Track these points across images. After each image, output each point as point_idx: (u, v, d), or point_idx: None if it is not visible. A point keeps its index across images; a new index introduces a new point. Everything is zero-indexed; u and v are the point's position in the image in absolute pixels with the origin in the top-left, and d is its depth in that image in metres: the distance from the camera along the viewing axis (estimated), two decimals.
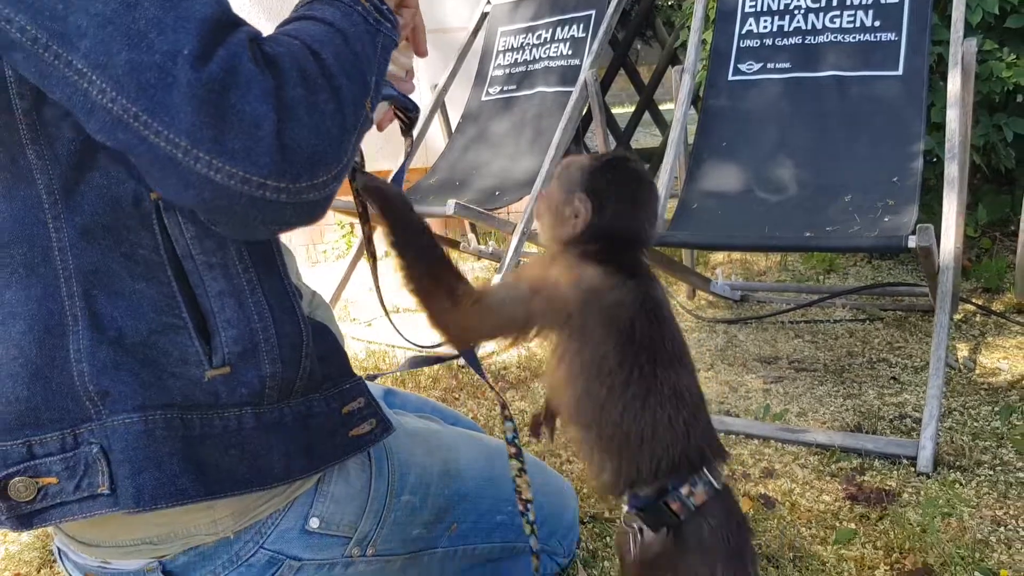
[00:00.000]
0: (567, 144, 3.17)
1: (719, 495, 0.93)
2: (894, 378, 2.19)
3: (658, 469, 0.92)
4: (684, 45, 4.76)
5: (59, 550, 1.01)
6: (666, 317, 0.96)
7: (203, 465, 0.84)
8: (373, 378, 1.21)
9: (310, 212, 0.72)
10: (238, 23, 0.70)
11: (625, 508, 0.96)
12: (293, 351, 0.90)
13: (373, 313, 3.30)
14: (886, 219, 2.09)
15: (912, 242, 1.73)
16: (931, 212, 2.65)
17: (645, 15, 5.00)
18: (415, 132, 1.10)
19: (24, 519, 0.84)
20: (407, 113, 1.03)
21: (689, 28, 3.79)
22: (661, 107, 5.17)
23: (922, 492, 1.58)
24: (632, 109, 5.18)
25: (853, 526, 1.48)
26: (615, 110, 5.31)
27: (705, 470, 0.93)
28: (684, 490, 0.91)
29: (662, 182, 2.44)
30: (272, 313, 0.88)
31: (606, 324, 0.92)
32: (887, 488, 1.60)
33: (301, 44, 0.73)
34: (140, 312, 0.82)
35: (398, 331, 1.16)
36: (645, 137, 5.60)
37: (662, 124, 5.21)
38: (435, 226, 3.38)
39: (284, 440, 0.90)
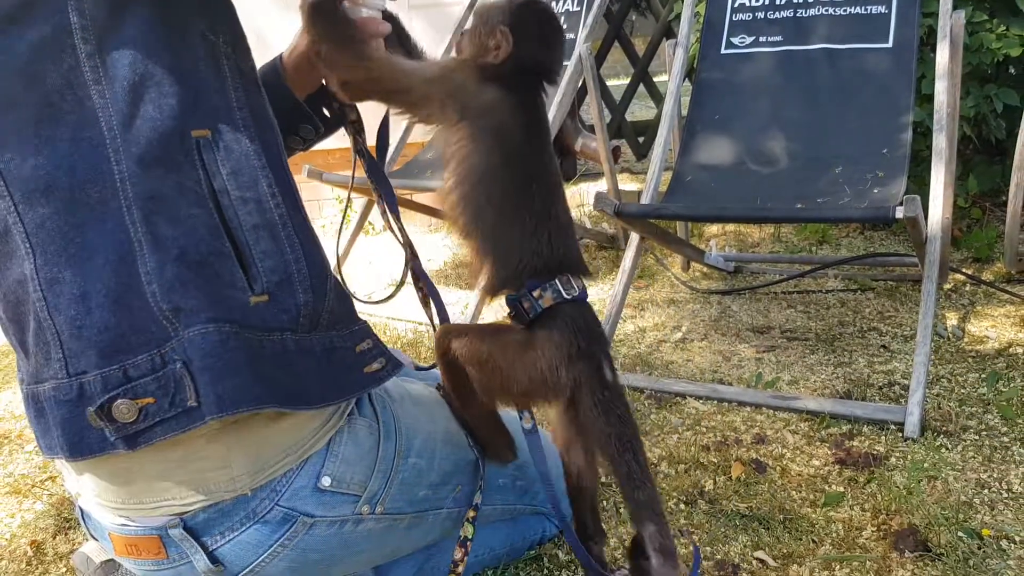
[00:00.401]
0: (562, 119, 3.19)
1: (575, 305, 1.06)
2: (884, 347, 2.24)
3: (522, 273, 1.05)
4: (678, 18, 4.76)
5: (81, 511, 1.06)
6: (549, 148, 1.09)
7: (265, 378, 0.90)
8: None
9: None
10: None
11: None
12: (321, 282, 0.97)
13: (372, 288, 3.34)
14: (875, 191, 2.13)
15: (900, 213, 1.77)
16: (922, 183, 2.68)
17: None
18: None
19: (131, 439, 0.90)
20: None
21: (683, 1, 3.79)
22: (656, 79, 5.17)
23: (909, 456, 1.63)
24: (627, 81, 5.18)
25: (841, 489, 1.53)
26: (610, 82, 5.31)
27: (557, 281, 1.05)
28: (536, 293, 1.05)
29: (656, 155, 2.47)
30: (302, 246, 0.95)
31: (497, 136, 1.05)
32: (875, 452, 1.65)
33: None
34: (197, 234, 0.88)
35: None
36: (640, 109, 5.60)
37: (657, 97, 5.21)
38: (429, 200, 3.41)
39: (317, 368, 0.97)
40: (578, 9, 3.19)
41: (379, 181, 1.24)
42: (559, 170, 1.11)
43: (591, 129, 4.28)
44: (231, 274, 0.90)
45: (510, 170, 1.05)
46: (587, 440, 1.08)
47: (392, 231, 1.27)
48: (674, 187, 2.40)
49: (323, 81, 1.22)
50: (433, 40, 3.47)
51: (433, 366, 1.23)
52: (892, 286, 2.68)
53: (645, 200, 2.35)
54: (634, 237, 2.31)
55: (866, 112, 2.33)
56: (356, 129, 1.28)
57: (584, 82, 3.13)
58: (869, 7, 2.42)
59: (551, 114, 3.04)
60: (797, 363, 2.20)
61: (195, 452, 0.94)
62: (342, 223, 1.27)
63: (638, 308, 2.76)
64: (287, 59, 1.21)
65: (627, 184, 4.72)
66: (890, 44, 2.37)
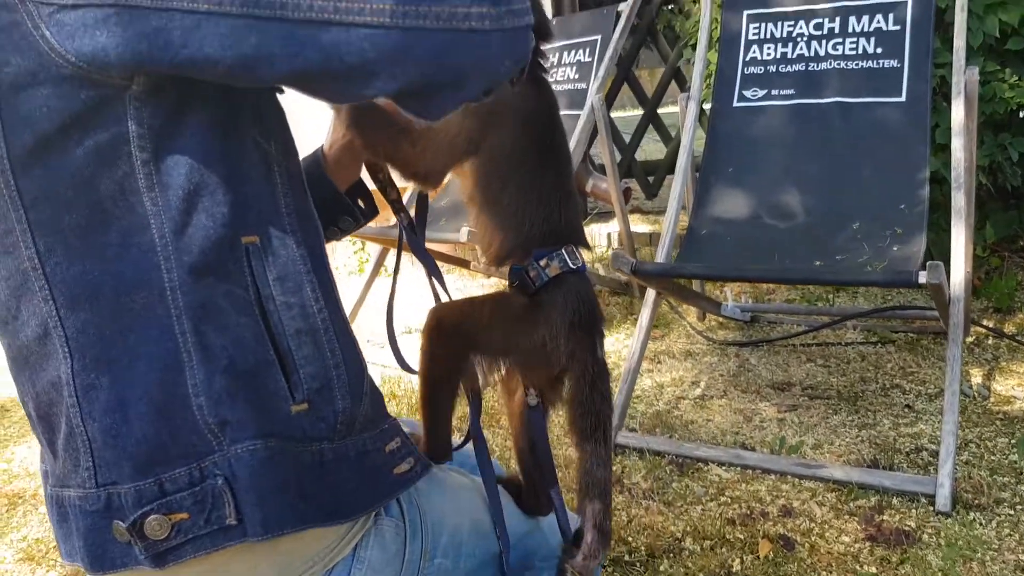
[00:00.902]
0: (576, 166, 3.19)
1: (576, 276, 1.06)
2: (908, 406, 2.21)
3: (528, 242, 1.06)
4: (688, 61, 4.78)
5: None
6: (560, 126, 1.11)
7: (308, 495, 0.88)
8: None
9: (512, 43, 0.74)
10: None
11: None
12: (358, 386, 0.95)
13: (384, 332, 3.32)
14: (895, 248, 2.11)
15: (923, 278, 1.74)
16: (940, 229, 2.66)
17: (647, 29, 5.01)
18: None
19: (159, 556, 0.87)
20: None
21: (693, 47, 3.80)
22: (661, 110, 5.17)
23: (942, 533, 1.59)
24: (633, 112, 5.20)
25: (874, 570, 1.50)
26: (617, 113, 5.31)
27: (563, 250, 1.05)
28: (543, 262, 1.05)
29: (671, 208, 2.46)
30: (342, 351, 0.93)
31: (516, 118, 1.07)
32: (907, 528, 1.62)
33: None
34: (245, 343, 0.86)
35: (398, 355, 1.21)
36: (648, 143, 5.59)
37: (666, 136, 5.23)
38: (445, 249, 3.40)
39: (352, 476, 0.94)
40: (589, 60, 3.20)
41: (423, 257, 1.23)
42: (567, 142, 1.14)
43: (601, 169, 4.29)
44: (275, 383, 0.88)
45: (526, 145, 1.08)
46: (569, 412, 1.09)
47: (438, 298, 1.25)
48: (689, 241, 2.38)
49: (361, 173, 1.23)
50: None
51: (460, 446, 1.20)
52: (913, 338, 2.65)
53: (660, 255, 2.34)
54: (650, 293, 2.29)
55: (882, 166, 2.31)
56: (397, 208, 1.27)
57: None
58: (881, 61, 2.41)
59: None
60: (820, 424, 2.16)
61: (220, 567, 0.92)
62: (391, 305, 1.26)
63: (654, 360, 2.73)
64: (328, 152, 1.21)
65: (638, 225, 4.71)
66: (903, 98, 2.36)
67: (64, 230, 0.83)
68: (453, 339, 1.10)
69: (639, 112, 5.34)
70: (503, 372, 1.13)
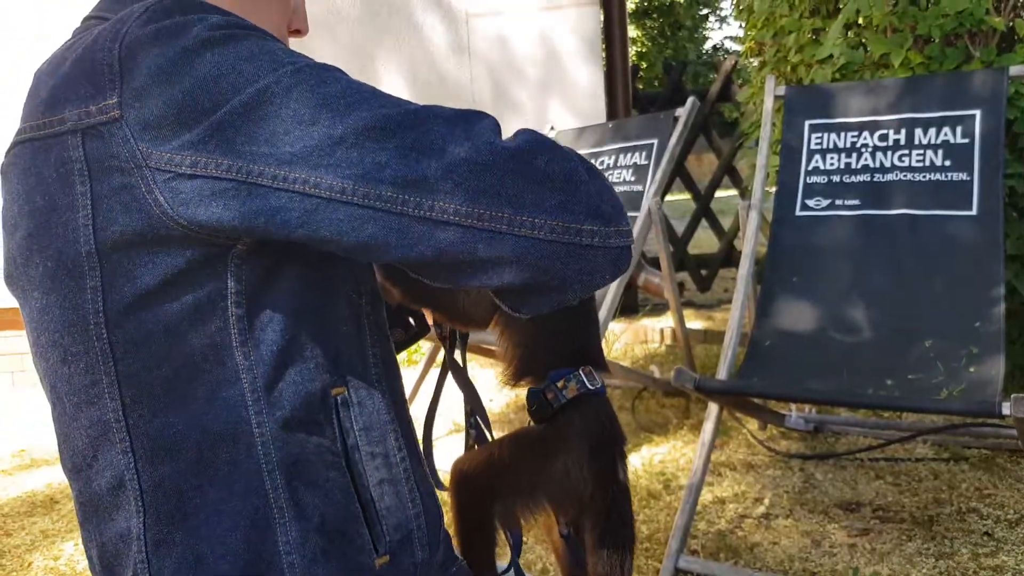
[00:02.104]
0: (631, 268, 3.18)
1: (595, 397, 1.05)
2: (987, 533, 2.09)
3: (546, 362, 1.06)
4: (741, 149, 4.79)
5: None
6: None
7: None
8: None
9: (616, 259, 0.76)
10: None
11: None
12: (435, 535, 0.93)
13: (438, 432, 3.29)
14: (971, 369, 2.04)
15: (1007, 409, 1.67)
16: (1011, 341, 2.58)
17: (701, 125, 5.06)
18: None
19: None
20: None
21: (747, 146, 3.81)
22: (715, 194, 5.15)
23: None
24: (680, 196, 5.21)
25: None
26: (667, 197, 5.32)
27: (580, 371, 1.05)
28: (560, 383, 1.04)
29: (734, 317, 2.41)
30: (422, 499, 0.91)
31: None
32: None
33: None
34: (335, 499, 0.85)
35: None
36: (699, 234, 5.58)
37: (719, 229, 5.22)
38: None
39: None
40: (646, 163, 3.22)
41: (467, 389, 1.20)
42: None
43: (651, 263, 4.27)
44: (360, 537, 0.87)
45: None
46: (589, 537, 1.07)
47: (479, 437, 1.22)
48: (752, 355, 2.33)
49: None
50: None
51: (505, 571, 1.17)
52: (987, 456, 2.53)
53: (722, 370, 2.28)
54: (712, 407, 2.23)
55: (954, 282, 2.26)
56: (441, 335, 1.26)
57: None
58: (950, 174, 2.38)
59: None
60: (894, 552, 2.06)
61: None
62: (430, 421, 1.25)
63: (714, 473, 2.65)
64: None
65: (692, 322, 4.66)
66: (975, 212, 2.31)
67: (152, 383, 0.82)
68: (478, 490, 1.09)
69: (686, 196, 5.35)
70: (534, 509, 1.10)
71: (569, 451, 1.04)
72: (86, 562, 0.94)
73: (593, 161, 3.45)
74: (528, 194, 0.71)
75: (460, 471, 1.09)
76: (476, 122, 0.74)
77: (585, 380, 1.06)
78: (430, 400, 1.19)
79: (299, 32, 1.03)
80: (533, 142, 0.73)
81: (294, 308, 0.83)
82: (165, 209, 0.73)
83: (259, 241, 0.77)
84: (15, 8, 4.30)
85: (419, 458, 0.95)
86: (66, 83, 0.78)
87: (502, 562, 1.11)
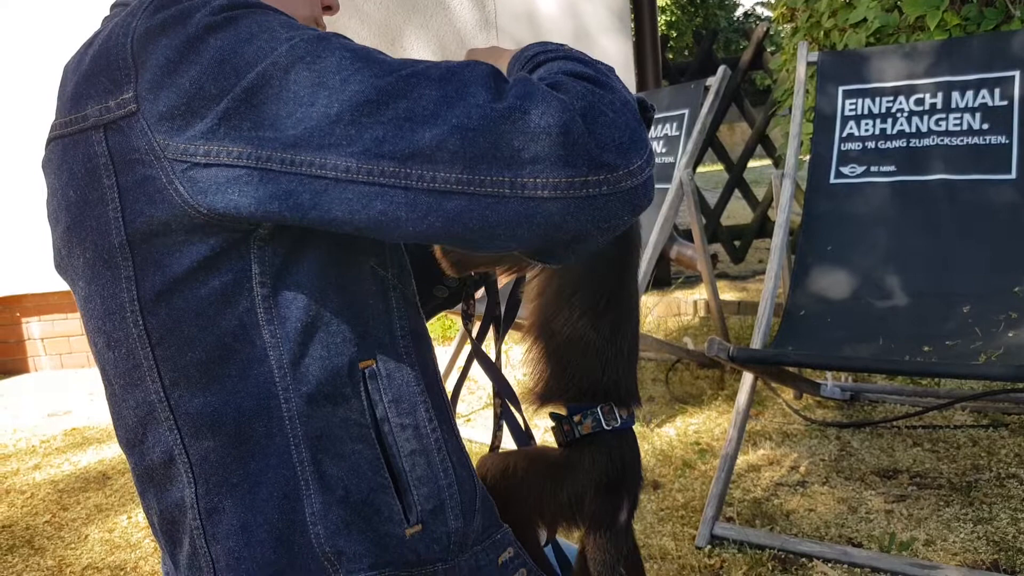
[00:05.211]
0: (663, 241, 3.18)
1: (612, 435, 1.05)
2: None
3: (567, 391, 1.06)
4: (774, 117, 4.74)
5: None
6: (633, 276, 1.08)
7: None
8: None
9: (632, 200, 0.74)
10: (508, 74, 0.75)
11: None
12: (470, 504, 0.95)
13: (471, 407, 3.33)
14: (1010, 334, 2.02)
15: None
16: None
17: (733, 93, 5.00)
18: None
19: None
20: (646, 114, 1.05)
21: (780, 114, 3.77)
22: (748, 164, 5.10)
23: None
24: (713, 167, 5.17)
25: None
26: (699, 168, 5.28)
27: (599, 409, 1.04)
28: (576, 418, 1.04)
29: (768, 287, 2.41)
30: (455, 470, 0.93)
31: (589, 266, 1.06)
32: None
33: (562, 72, 0.78)
34: (360, 471, 0.87)
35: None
36: (732, 204, 5.52)
37: (752, 200, 5.17)
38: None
39: None
40: (677, 134, 3.21)
41: (497, 380, 1.21)
42: (638, 291, 1.12)
43: (683, 235, 4.26)
44: (389, 508, 0.89)
45: (589, 289, 1.06)
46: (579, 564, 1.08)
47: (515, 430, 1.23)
48: (786, 325, 2.33)
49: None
50: None
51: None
52: None
53: (757, 339, 2.29)
54: (747, 376, 2.24)
55: (992, 247, 2.23)
56: (466, 316, 1.25)
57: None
58: (988, 137, 2.34)
59: (653, 236, 3.03)
60: (931, 517, 2.06)
61: None
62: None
63: (750, 442, 2.66)
64: None
65: (725, 293, 4.64)
66: (1013, 175, 2.28)
67: (188, 365, 0.85)
68: (495, 494, 1.09)
69: (718, 167, 5.31)
70: (538, 527, 1.12)
71: (574, 486, 1.05)
72: (139, 534, 0.99)
73: None
74: (525, 153, 0.69)
75: (479, 472, 1.10)
76: (468, 77, 0.72)
77: (602, 419, 1.05)
78: (456, 379, 1.20)
79: (330, 9, 1.03)
80: (524, 96, 0.71)
81: (318, 285, 0.85)
82: (186, 199, 0.75)
83: (278, 225, 0.79)
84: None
85: (452, 429, 0.96)
86: (87, 79, 0.80)
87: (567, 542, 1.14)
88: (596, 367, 1.06)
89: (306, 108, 0.71)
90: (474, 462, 1.08)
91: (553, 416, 1.10)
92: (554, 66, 0.81)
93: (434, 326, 4.43)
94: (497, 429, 1.20)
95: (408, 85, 0.71)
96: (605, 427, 1.06)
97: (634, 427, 1.10)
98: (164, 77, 0.75)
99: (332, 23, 4.62)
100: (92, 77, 0.80)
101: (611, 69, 0.85)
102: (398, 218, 0.72)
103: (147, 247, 0.80)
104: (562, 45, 0.86)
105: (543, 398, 1.10)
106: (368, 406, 0.88)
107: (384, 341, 0.91)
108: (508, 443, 1.12)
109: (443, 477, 0.92)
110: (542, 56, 0.85)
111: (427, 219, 0.72)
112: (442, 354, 4.06)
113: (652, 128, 3.34)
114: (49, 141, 0.87)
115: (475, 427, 3.17)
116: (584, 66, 0.79)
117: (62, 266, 0.90)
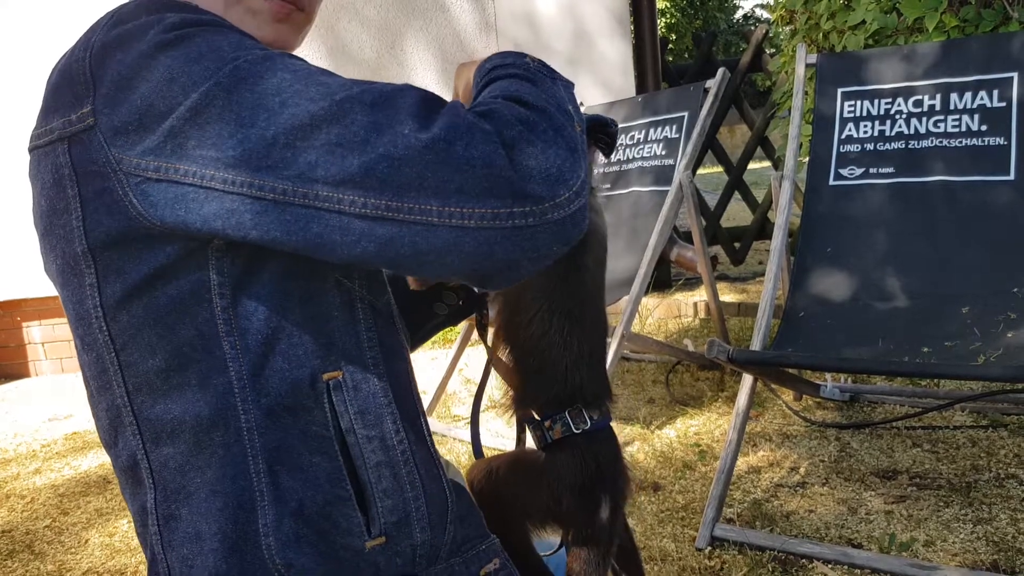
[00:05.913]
0: (663, 243, 3.18)
1: (585, 437, 1.06)
2: None
3: (538, 397, 1.08)
4: (774, 119, 4.75)
5: None
6: (592, 277, 1.09)
7: None
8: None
9: (560, 231, 0.74)
10: (443, 100, 0.76)
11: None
12: (440, 517, 0.94)
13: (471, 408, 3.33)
14: (1009, 334, 2.02)
15: None
16: None
17: (732, 96, 5.01)
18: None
19: None
20: (607, 130, 1.09)
21: (778, 116, 3.78)
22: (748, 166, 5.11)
23: None
24: (712, 169, 5.18)
25: None
26: (699, 171, 5.29)
27: (567, 413, 1.06)
28: (547, 423, 1.06)
29: (767, 289, 2.41)
30: (422, 481, 0.92)
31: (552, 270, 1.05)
32: None
33: (502, 95, 0.78)
34: (317, 484, 0.87)
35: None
36: (732, 206, 5.52)
37: (751, 202, 5.18)
38: None
39: None
40: (676, 136, 3.21)
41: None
42: (601, 291, 1.13)
43: (683, 237, 4.26)
44: (348, 520, 0.88)
45: (547, 301, 1.07)
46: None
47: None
48: (786, 326, 2.33)
49: None
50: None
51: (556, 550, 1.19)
52: None
53: (756, 341, 2.29)
54: (747, 377, 2.24)
55: (991, 248, 2.24)
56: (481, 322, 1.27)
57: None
58: (986, 139, 2.35)
59: (653, 239, 3.04)
60: (931, 518, 2.06)
61: None
62: (479, 397, 1.27)
63: (749, 443, 2.66)
64: None
65: (725, 295, 4.65)
66: (1012, 176, 2.29)
67: (149, 372, 0.86)
68: (479, 497, 1.10)
69: (718, 169, 5.32)
70: (525, 527, 1.13)
71: (551, 488, 1.06)
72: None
73: (623, 136, 3.44)
74: (451, 184, 0.70)
75: (468, 478, 1.12)
76: (400, 103, 0.73)
77: (571, 422, 1.07)
78: (479, 383, 1.21)
79: (283, 21, 0.95)
80: (450, 127, 0.71)
81: (279, 297, 0.85)
82: (140, 211, 0.77)
83: None
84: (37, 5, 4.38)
85: (423, 441, 0.95)
86: (54, 92, 0.83)
87: (555, 538, 1.14)
88: (558, 371, 1.07)
89: (246, 129, 0.72)
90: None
91: (528, 421, 1.11)
92: (498, 86, 0.81)
93: None
94: (520, 432, 1.21)
95: (341, 110, 0.72)
96: (575, 430, 1.07)
97: (611, 424, 1.10)
98: (118, 92, 0.76)
99: (332, 26, 4.63)
100: (58, 90, 0.82)
101: (568, 85, 0.86)
102: (333, 241, 0.73)
103: (108, 255, 0.81)
104: (521, 57, 0.86)
105: (518, 404, 1.12)
106: (332, 417, 0.87)
107: (351, 352, 0.90)
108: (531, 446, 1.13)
109: (409, 489, 0.91)
110: (497, 72, 0.85)
111: (360, 243, 0.73)
112: (442, 356, 4.06)
113: (650, 131, 3.35)
114: (29, 151, 0.89)
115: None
116: (530, 87, 0.80)
117: (46, 270, 0.93)
